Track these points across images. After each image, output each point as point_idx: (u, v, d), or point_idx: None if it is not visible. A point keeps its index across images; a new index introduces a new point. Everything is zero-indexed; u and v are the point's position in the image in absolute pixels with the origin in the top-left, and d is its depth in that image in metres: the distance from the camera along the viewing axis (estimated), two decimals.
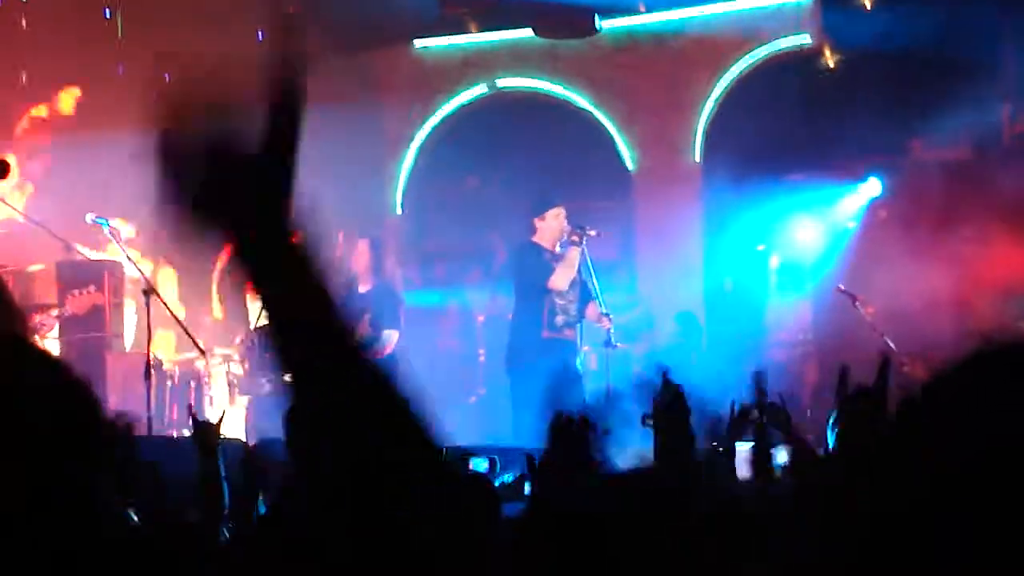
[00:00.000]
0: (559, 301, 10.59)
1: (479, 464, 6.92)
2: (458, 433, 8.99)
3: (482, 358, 13.86)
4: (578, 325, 10.78)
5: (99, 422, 1.63)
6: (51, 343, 10.96)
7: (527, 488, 4.97)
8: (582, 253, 10.64)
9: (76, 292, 10.64)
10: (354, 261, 11.15)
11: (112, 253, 11.43)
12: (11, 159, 9.56)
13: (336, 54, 14.83)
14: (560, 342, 10.63)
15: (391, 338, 10.74)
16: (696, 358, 12.59)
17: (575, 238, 10.62)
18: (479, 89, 15.28)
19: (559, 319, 10.62)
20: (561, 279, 10.57)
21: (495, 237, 14.33)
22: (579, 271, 10.71)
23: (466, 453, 6.96)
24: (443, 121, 15.38)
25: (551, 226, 10.68)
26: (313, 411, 1.53)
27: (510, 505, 3.83)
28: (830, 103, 13.75)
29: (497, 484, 5.91)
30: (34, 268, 11.93)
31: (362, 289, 11.00)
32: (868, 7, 13.71)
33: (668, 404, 3.71)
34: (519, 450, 7.80)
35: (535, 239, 10.70)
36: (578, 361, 10.82)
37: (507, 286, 11.42)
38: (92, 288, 10.76)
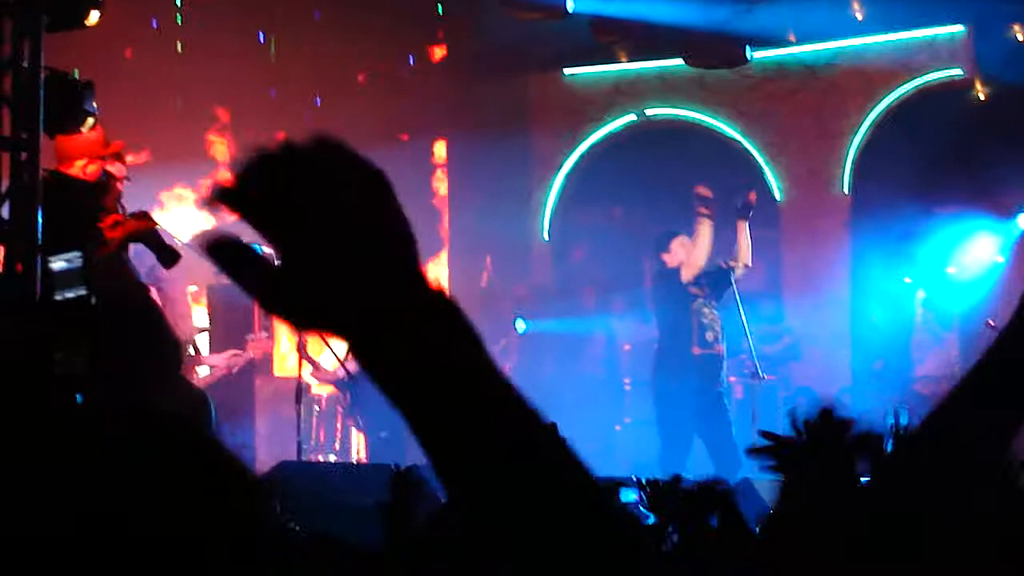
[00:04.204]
0: (705, 319, 10.68)
1: (628, 495, 6.97)
2: (604, 463, 9.07)
3: (628, 387, 13.88)
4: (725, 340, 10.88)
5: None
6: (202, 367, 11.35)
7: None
8: (729, 281, 10.73)
9: (250, 338, 11.12)
10: None
11: None
12: None
13: (487, 80, 15.04)
14: (711, 357, 10.69)
15: None
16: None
17: (704, 212, 10.73)
18: (628, 118, 15.36)
19: (709, 335, 10.69)
20: (698, 258, 10.69)
21: (640, 266, 14.39)
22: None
23: (615, 483, 7.01)
24: (591, 149, 15.50)
25: (678, 254, 10.82)
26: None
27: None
28: (981, 136, 13.61)
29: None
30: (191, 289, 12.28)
31: None
32: (1021, 39, 13.57)
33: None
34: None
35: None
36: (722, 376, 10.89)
37: (650, 314, 11.55)
38: (264, 335, 11.25)
